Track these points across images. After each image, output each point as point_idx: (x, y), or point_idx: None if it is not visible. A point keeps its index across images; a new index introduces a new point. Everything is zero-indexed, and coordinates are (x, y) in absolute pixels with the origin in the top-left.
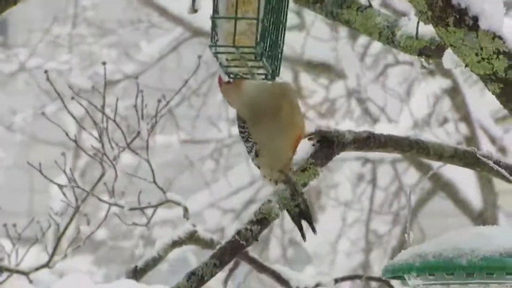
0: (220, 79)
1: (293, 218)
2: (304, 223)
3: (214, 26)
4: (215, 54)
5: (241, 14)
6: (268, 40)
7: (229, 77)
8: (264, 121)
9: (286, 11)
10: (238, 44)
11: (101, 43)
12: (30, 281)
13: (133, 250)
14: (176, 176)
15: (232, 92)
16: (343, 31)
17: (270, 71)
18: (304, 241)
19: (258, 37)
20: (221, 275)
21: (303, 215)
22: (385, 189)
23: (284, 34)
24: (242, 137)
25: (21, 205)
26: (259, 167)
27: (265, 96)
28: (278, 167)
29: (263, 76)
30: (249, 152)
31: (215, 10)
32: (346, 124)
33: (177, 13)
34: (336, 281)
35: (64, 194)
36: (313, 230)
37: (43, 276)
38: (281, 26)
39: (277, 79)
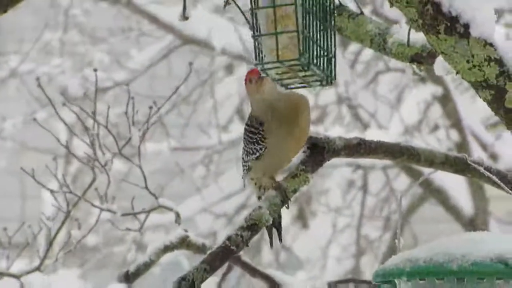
0: (246, 77)
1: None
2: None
3: (257, 44)
4: (264, 70)
5: (281, 29)
6: (315, 48)
7: (286, 88)
8: (282, 127)
9: (332, 16)
10: (282, 58)
11: (92, 50)
12: (22, 285)
13: (125, 255)
14: (168, 183)
15: (253, 92)
16: None
17: (325, 77)
18: (271, 248)
19: (301, 48)
20: (214, 279)
21: (274, 223)
22: (376, 195)
23: (334, 38)
24: (251, 138)
25: (12, 211)
26: (248, 169)
27: (286, 104)
28: (272, 173)
29: (319, 83)
30: (251, 153)
31: (256, 28)
32: (336, 130)
33: (168, 21)
34: (329, 285)
35: (55, 198)
36: (280, 239)
37: (35, 281)
38: (328, 31)
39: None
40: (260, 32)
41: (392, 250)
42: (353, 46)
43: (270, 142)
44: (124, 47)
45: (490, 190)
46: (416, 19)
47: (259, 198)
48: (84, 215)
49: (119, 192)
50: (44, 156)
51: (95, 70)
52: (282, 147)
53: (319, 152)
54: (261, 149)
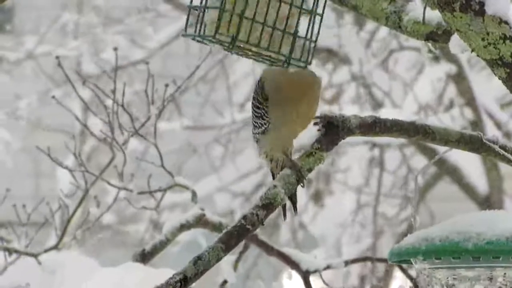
0: None
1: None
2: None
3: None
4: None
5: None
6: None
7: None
8: (286, 104)
9: None
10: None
11: (108, 31)
12: (39, 263)
13: (142, 234)
14: (184, 162)
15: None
16: (348, 17)
17: (284, 59)
18: (284, 220)
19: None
20: (231, 258)
21: (290, 196)
22: (393, 173)
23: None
24: (256, 112)
25: (27, 189)
26: (257, 142)
27: (295, 80)
28: (280, 148)
29: (269, 63)
30: (257, 127)
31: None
32: (351, 109)
33: (183, 1)
34: (346, 263)
35: (74, 177)
36: (295, 210)
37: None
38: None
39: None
40: (206, 3)
41: (409, 228)
42: (368, 25)
43: (273, 117)
44: (140, 27)
45: (504, 168)
46: None
47: (272, 172)
48: (100, 193)
49: (136, 171)
50: (58, 135)
51: (115, 48)
52: (286, 124)
53: (334, 130)
54: (265, 124)
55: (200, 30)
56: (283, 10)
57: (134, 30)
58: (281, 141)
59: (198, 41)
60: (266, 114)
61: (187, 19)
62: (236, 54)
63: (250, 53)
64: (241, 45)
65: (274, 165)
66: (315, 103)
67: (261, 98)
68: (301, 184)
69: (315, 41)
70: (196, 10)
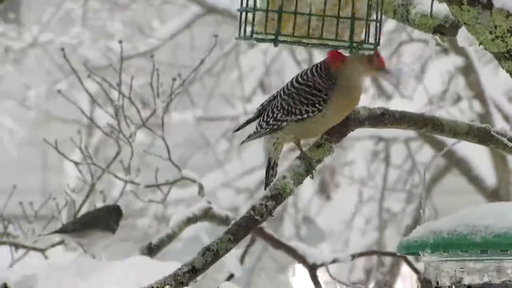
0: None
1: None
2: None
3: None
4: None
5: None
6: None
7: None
8: (340, 106)
9: None
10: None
11: (113, 19)
12: (46, 258)
13: (147, 228)
14: (191, 156)
15: (338, 64)
16: None
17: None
18: (265, 190)
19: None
20: (237, 252)
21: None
22: (398, 167)
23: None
24: (307, 99)
25: (35, 182)
26: (278, 129)
27: (356, 89)
28: (302, 139)
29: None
30: (294, 114)
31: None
32: (361, 100)
33: None
34: (353, 257)
35: (80, 171)
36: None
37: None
38: None
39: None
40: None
41: (415, 222)
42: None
43: (327, 109)
44: (146, 16)
45: None
46: None
47: (269, 159)
48: (106, 187)
49: (142, 164)
50: (66, 127)
51: (120, 41)
52: (329, 121)
53: (343, 122)
54: (313, 112)
55: (245, 31)
56: None
57: (141, 21)
58: (309, 134)
59: (248, 40)
60: (322, 103)
61: (240, 23)
62: (298, 44)
63: (307, 42)
64: (288, 39)
65: (277, 153)
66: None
67: (325, 86)
68: (310, 175)
69: (380, 21)
70: (247, 11)
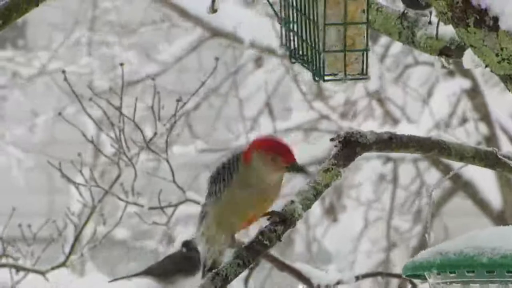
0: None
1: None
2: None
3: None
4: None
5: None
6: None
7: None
8: (248, 194)
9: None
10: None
11: (121, 44)
12: (47, 280)
13: (154, 249)
14: (195, 178)
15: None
16: None
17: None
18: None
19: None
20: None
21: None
22: (406, 188)
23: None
24: (218, 175)
25: (41, 206)
26: (204, 217)
27: (263, 186)
28: (227, 228)
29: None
30: (212, 195)
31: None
32: (368, 125)
33: (197, 13)
34: (357, 278)
35: (80, 194)
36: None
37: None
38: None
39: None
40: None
41: (422, 243)
42: (383, 39)
43: (234, 186)
44: (153, 40)
45: None
46: (446, 12)
47: (205, 266)
48: (112, 210)
49: (147, 186)
50: (74, 149)
51: (122, 64)
52: (241, 202)
53: (351, 146)
54: (224, 187)
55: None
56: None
57: (148, 44)
58: (230, 218)
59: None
60: (230, 176)
61: (281, 36)
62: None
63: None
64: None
65: (212, 253)
66: (272, 203)
67: (234, 161)
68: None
69: (367, 51)
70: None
